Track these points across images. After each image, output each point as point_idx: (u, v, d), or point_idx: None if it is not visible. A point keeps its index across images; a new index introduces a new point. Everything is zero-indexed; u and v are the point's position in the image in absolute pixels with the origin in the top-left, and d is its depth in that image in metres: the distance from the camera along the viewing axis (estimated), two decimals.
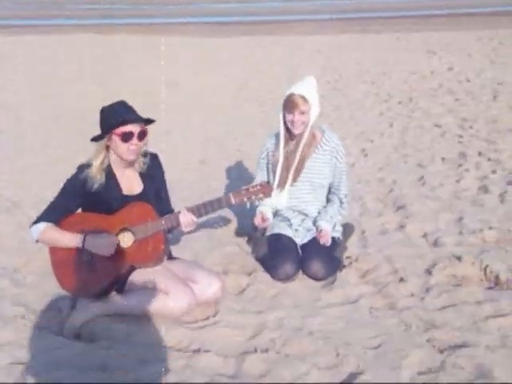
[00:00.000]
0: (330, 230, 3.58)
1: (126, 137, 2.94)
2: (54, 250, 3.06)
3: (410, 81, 10.09)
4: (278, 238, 3.61)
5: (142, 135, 3.00)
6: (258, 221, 3.59)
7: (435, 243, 3.90)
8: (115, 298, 3.04)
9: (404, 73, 10.79)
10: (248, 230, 4.11)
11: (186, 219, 3.02)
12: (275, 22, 25.41)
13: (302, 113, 3.45)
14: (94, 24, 26.13)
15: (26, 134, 7.37)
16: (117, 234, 3.01)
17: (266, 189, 3.10)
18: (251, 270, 3.61)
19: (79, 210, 3.11)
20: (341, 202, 3.72)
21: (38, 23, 27.78)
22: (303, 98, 3.43)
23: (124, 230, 3.02)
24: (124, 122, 2.93)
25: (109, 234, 2.99)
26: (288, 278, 3.44)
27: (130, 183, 3.12)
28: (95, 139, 3.01)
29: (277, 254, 3.52)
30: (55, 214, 3.02)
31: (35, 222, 3.01)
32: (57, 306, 3.17)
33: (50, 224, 2.99)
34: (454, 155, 5.86)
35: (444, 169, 5.50)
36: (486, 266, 3.45)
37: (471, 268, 3.47)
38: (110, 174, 3.06)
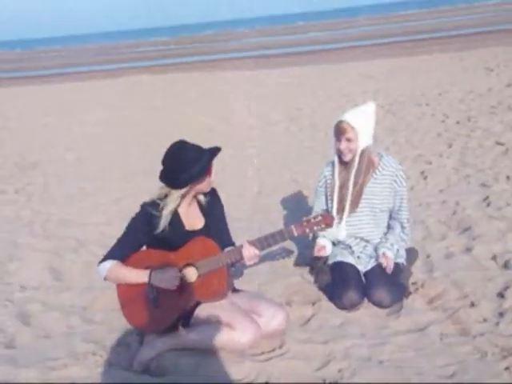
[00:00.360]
0: (392, 257, 3.49)
1: (210, 171, 3.08)
2: (121, 288, 3.13)
3: (466, 100, 9.87)
4: (340, 265, 3.56)
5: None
6: (315, 251, 3.58)
7: (506, 265, 3.74)
8: (181, 332, 3.07)
9: (460, 92, 10.57)
10: (309, 260, 4.07)
11: (249, 253, 3.02)
12: (322, 51, 25.60)
13: (349, 140, 3.44)
14: (149, 65, 27.13)
15: (88, 174, 7.65)
16: (181, 270, 3.05)
17: (328, 219, 3.06)
18: (315, 300, 3.56)
19: (144, 248, 3.18)
20: (402, 227, 3.65)
21: (96, 69, 29.10)
22: (350, 125, 3.43)
23: (188, 265, 3.06)
24: (213, 158, 3.05)
25: (173, 268, 3.03)
26: (353, 306, 3.38)
27: (193, 219, 3.17)
28: (182, 184, 3.01)
29: (340, 282, 3.47)
30: (121, 252, 3.09)
31: (102, 261, 3.09)
32: (125, 341, 3.22)
33: (116, 262, 3.06)
34: None
35: (509, 187, 5.30)
36: None
37: None
38: (173, 212, 3.11)
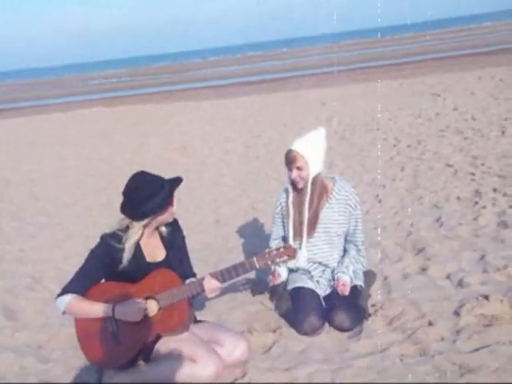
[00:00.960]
0: (347, 281, 3.53)
1: (172, 202, 3.06)
2: (79, 322, 3.04)
3: (416, 124, 10.18)
4: (299, 291, 3.58)
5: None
6: (269, 279, 3.62)
7: (460, 283, 3.83)
8: (142, 367, 3.01)
9: (410, 117, 10.90)
10: (269, 287, 4.07)
11: (211, 285, 3.00)
12: (275, 80, 26.03)
13: (299, 168, 3.49)
14: (102, 98, 26.95)
15: (43, 210, 7.48)
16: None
17: (290, 251, 3.07)
18: (276, 327, 3.55)
19: (102, 280, 3.11)
20: (358, 250, 3.70)
21: (48, 103, 28.70)
22: (299, 153, 3.46)
23: (148, 298, 3.01)
24: (176, 188, 3.05)
25: (135, 299, 2.98)
26: (314, 331, 3.39)
27: (154, 250, 3.13)
28: (144, 216, 2.99)
29: (301, 308, 3.48)
30: (80, 285, 3.00)
31: (60, 294, 2.98)
32: (83, 379, 3.14)
33: (76, 295, 2.97)
34: (468, 193, 5.83)
35: (460, 208, 5.46)
36: None
37: (500, 306, 3.38)
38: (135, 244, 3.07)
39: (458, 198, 5.74)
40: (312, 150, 3.50)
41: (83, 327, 3.02)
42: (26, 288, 4.75)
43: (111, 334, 2.95)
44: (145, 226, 3.04)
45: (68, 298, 2.96)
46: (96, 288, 3.03)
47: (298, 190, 3.60)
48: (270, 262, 3.03)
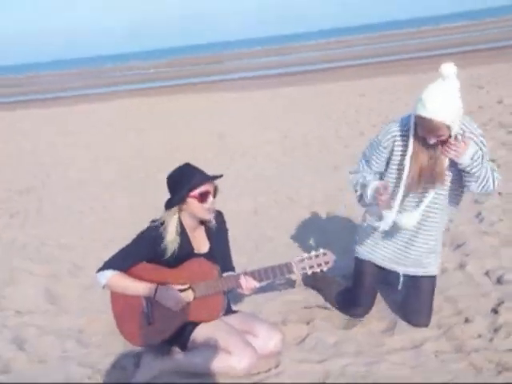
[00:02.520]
0: (470, 149, 2.89)
1: (204, 197, 3.04)
2: (116, 300, 3.13)
3: None
4: (362, 264, 3.42)
5: (215, 192, 3.12)
6: (380, 198, 3.00)
7: (499, 280, 3.77)
8: (178, 355, 3.07)
9: None
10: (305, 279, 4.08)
11: (247, 284, 3.03)
12: (316, 71, 25.85)
13: (440, 136, 2.90)
14: (141, 88, 27.32)
15: (86, 198, 7.67)
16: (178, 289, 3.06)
17: (329, 257, 3.03)
18: (309, 319, 3.57)
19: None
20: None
21: (91, 92, 29.28)
22: (444, 124, 2.84)
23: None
24: (200, 183, 3.03)
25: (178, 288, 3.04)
26: (366, 313, 3.39)
27: (199, 242, 3.19)
28: (169, 206, 3.06)
29: (357, 286, 3.41)
30: (123, 262, 3.08)
31: (102, 269, 3.07)
32: (121, 364, 3.22)
33: (118, 271, 3.05)
34: (510, 189, 5.69)
35: (501, 203, 5.34)
36: None
37: None
38: (182, 233, 3.12)
39: (500, 194, 5.61)
40: (456, 111, 2.86)
41: (119, 305, 3.12)
42: (67, 273, 4.90)
43: (144, 315, 3.05)
44: (179, 217, 3.08)
45: (110, 272, 3.04)
46: (136, 267, 3.09)
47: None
48: (307, 267, 3.02)
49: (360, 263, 3.48)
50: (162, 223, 3.08)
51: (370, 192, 3.11)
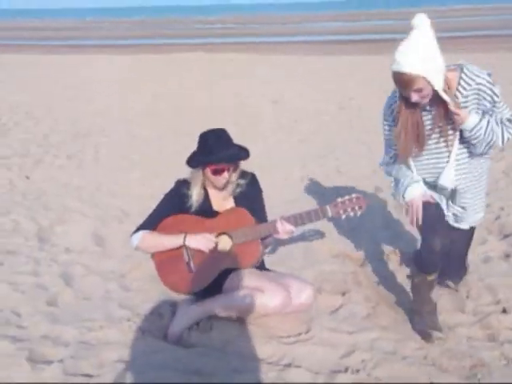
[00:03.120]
0: (473, 118, 2.76)
1: (217, 172, 3.11)
2: (157, 254, 3.23)
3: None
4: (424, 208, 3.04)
5: (234, 169, 3.15)
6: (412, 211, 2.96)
7: None
8: (212, 301, 3.15)
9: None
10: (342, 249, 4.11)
11: (284, 227, 3.09)
12: (381, 41, 25.15)
13: (419, 90, 2.69)
14: (203, 43, 27.31)
15: (138, 148, 7.85)
16: (216, 237, 3.16)
17: (362, 201, 3.10)
18: (345, 290, 3.61)
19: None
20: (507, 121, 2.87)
21: (153, 42, 29.50)
22: (413, 75, 2.63)
23: (222, 233, 3.16)
24: (217, 162, 3.08)
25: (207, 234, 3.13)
26: (439, 246, 2.99)
27: (221, 202, 3.25)
28: (189, 165, 3.17)
29: (426, 226, 3.03)
30: (153, 223, 3.21)
31: (134, 232, 3.21)
32: (159, 311, 3.35)
33: (148, 231, 3.18)
34: None
35: None
36: None
37: None
38: (206, 195, 3.23)
39: None
40: (429, 60, 2.64)
41: (161, 259, 3.22)
42: (115, 219, 5.09)
43: (186, 263, 3.15)
44: (203, 179, 3.17)
45: (140, 233, 3.18)
46: (171, 219, 3.19)
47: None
48: (341, 211, 3.09)
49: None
50: (188, 182, 3.18)
51: (402, 201, 3.06)
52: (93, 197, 5.73)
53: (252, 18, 58.64)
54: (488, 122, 2.80)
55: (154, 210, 3.26)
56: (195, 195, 3.18)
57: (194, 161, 3.15)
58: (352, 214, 3.09)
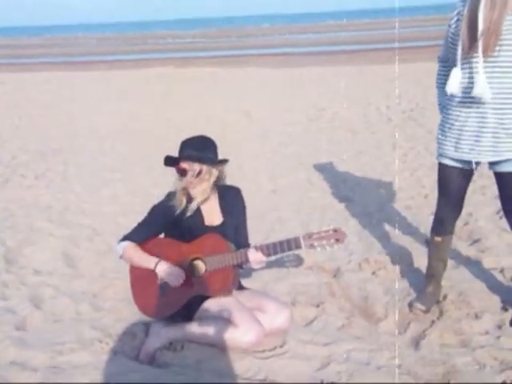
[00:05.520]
0: None
1: (181, 173, 3.14)
2: (134, 270, 3.24)
3: None
4: (444, 172, 3.24)
5: (198, 173, 3.13)
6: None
7: None
8: (186, 325, 3.14)
9: None
10: (315, 260, 4.11)
11: (255, 257, 3.07)
12: (349, 52, 25.52)
13: None
14: (174, 57, 27.32)
15: (109, 165, 7.78)
16: (190, 262, 3.14)
17: (340, 235, 3.00)
18: (319, 302, 3.61)
19: (162, 235, 3.29)
20: None
21: (122, 58, 29.39)
22: None
23: (197, 259, 3.14)
24: (180, 159, 3.12)
25: (181, 266, 3.12)
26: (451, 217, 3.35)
27: (211, 215, 3.25)
28: (166, 164, 3.21)
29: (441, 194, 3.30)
30: (140, 234, 3.22)
31: (121, 240, 3.22)
32: (132, 331, 3.30)
33: (132, 243, 3.19)
34: None
35: None
36: None
37: None
38: (191, 202, 3.21)
39: None
40: None
41: (136, 275, 3.22)
42: (86, 238, 5.01)
43: (159, 286, 3.13)
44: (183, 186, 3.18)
45: (126, 244, 3.18)
46: (153, 240, 3.23)
47: None
48: (316, 244, 3.01)
49: (443, 169, 3.26)
50: (174, 193, 3.20)
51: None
52: (62, 216, 5.64)
53: (222, 31, 58.98)
54: None
55: (143, 221, 3.26)
56: (179, 202, 3.19)
57: (164, 159, 3.18)
58: (328, 247, 3.01)
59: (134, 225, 3.29)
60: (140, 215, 3.29)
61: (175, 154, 3.20)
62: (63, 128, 10.57)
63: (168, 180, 3.33)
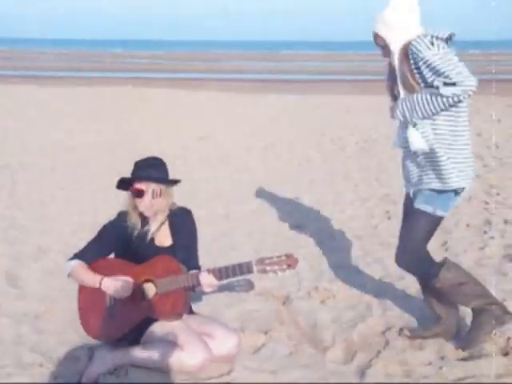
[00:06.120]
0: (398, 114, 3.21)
1: (137, 193, 3.12)
2: (82, 292, 3.17)
3: None
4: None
5: (155, 194, 3.12)
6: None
7: None
8: (132, 349, 3.08)
9: None
10: (266, 287, 4.11)
11: (207, 281, 3.05)
12: (308, 82, 26.01)
13: (378, 45, 3.16)
14: (132, 77, 27.15)
15: (59, 183, 7.61)
16: (141, 284, 3.09)
17: (292, 260, 3.02)
18: (267, 329, 3.60)
19: (112, 255, 3.26)
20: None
21: (80, 75, 28.99)
22: (375, 32, 3.11)
23: (148, 281, 3.10)
24: (134, 180, 3.12)
25: (127, 278, 3.08)
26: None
27: (162, 236, 3.24)
28: (119, 187, 3.20)
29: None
30: (90, 253, 3.19)
31: (71, 258, 3.18)
32: (75, 355, 3.21)
33: (81, 262, 3.15)
34: (479, 222, 5.81)
35: (469, 235, 5.44)
36: (509, 338, 3.36)
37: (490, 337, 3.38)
38: (145, 223, 3.20)
39: (468, 225, 5.72)
40: (387, 22, 3.04)
41: (85, 296, 3.16)
42: (31, 257, 4.86)
43: (107, 308, 3.08)
44: (133, 205, 3.17)
45: (74, 262, 3.15)
46: (103, 261, 3.19)
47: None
48: (268, 268, 3.01)
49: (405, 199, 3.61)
50: (125, 213, 3.18)
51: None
52: (6, 234, 5.46)
53: (183, 54, 59.15)
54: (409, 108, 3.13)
55: (93, 240, 3.24)
56: (134, 222, 3.17)
57: (118, 182, 3.16)
58: (280, 272, 3.01)
59: (84, 243, 3.25)
60: (89, 234, 3.26)
61: (126, 174, 3.17)
62: (11, 143, 10.31)
63: (118, 199, 3.31)
